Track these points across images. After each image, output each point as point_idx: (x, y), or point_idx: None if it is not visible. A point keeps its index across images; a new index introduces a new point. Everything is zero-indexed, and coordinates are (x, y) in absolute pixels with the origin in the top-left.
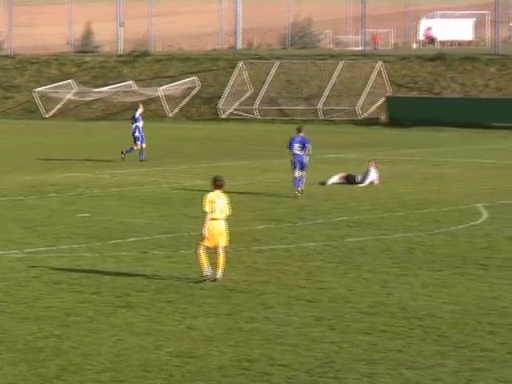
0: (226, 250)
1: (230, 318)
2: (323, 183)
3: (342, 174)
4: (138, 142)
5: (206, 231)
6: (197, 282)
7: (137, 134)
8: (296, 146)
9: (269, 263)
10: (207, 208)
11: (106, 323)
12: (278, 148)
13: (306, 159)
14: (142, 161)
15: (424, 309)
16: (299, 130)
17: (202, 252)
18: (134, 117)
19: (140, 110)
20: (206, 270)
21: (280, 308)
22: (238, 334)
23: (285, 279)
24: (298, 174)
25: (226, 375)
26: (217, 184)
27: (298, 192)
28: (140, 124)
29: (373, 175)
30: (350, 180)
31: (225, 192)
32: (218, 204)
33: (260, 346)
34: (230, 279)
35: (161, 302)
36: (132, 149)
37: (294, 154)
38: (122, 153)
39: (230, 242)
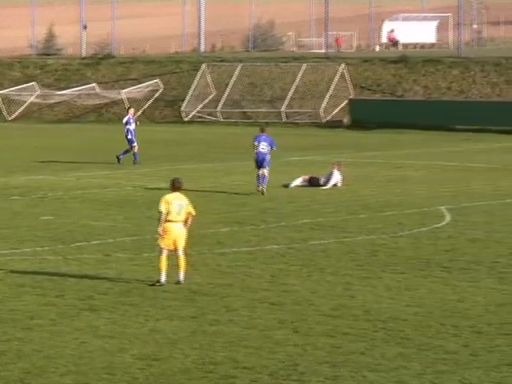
0: (187, 252)
1: (194, 321)
2: (286, 186)
3: (306, 177)
4: (134, 144)
5: (160, 230)
6: (150, 285)
7: (129, 136)
8: (261, 144)
9: (232, 266)
10: (162, 208)
11: (70, 326)
12: (241, 150)
13: (268, 157)
14: (136, 163)
15: (387, 311)
16: (262, 130)
17: (163, 256)
18: (125, 121)
19: (131, 113)
20: (163, 276)
21: (244, 311)
22: (202, 336)
23: (248, 282)
24: (261, 171)
25: (190, 378)
26: (175, 186)
27: (261, 191)
28: (132, 127)
29: (336, 177)
30: (313, 183)
31: (189, 194)
32: (174, 206)
33: (224, 348)
34: (193, 282)
35: (124, 305)
36: (126, 151)
37: (258, 152)
38: (117, 158)
39: (194, 244)
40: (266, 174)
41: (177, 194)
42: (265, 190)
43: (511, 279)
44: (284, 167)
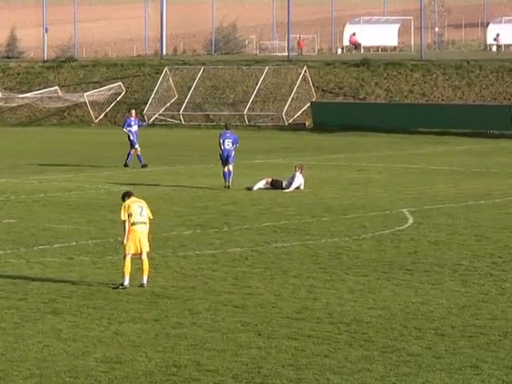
0: (150, 256)
1: (157, 324)
2: (249, 188)
3: (268, 180)
4: (136, 146)
5: (125, 239)
6: (114, 288)
7: (131, 138)
8: (226, 141)
9: (196, 269)
10: (123, 215)
11: (33, 329)
12: (204, 153)
13: (233, 153)
14: (144, 166)
15: (351, 314)
16: (227, 127)
17: (127, 260)
18: (126, 122)
19: (133, 114)
20: (126, 279)
21: (207, 313)
22: (166, 339)
23: (212, 285)
24: (226, 168)
25: (154, 381)
26: (129, 193)
27: (228, 186)
28: (133, 129)
29: (299, 180)
30: (276, 185)
31: (151, 197)
32: (135, 207)
33: (187, 351)
34: (157, 285)
35: (88, 308)
36: (129, 155)
37: (224, 149)
38: (125, 165)
39: (157, 247)
40: (231, 170)
41: (134, 198)
42: (231, 185)
43: (474, 282)
44: (247, 170)
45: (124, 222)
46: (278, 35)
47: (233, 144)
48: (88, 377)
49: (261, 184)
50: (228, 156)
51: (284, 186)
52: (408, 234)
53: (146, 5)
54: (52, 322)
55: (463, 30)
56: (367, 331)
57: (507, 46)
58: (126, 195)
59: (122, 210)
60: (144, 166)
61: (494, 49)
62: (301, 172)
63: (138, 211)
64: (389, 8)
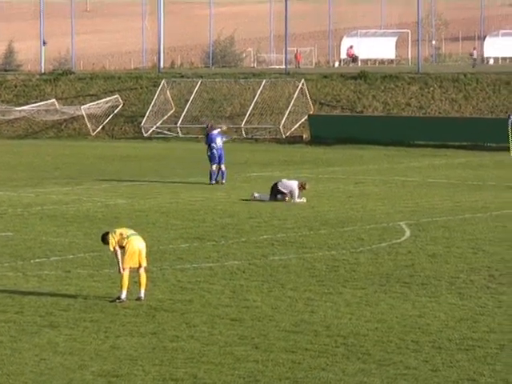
0: (147, 269)
1: (155, 337)
2: (252, 197)
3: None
4: (214, 163)
5: (121, 266)
6: (111, 302)
7: (209, 153)
8: (217, 140)
9: (193, 282)
10: (111, 245)
11: (30, 343)
12: (201, 166)
13: (223, 152)
14: (216, 183)
15: (348, 327)
16: (213, 128)
17: (126, 274)
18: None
19: (218, 129)
20: (123, 293)
21: (204, 327)
22: (163, 352)
23: (209, 298)
24: (215, 167)
25: None
26: (105, 241)
27: (218, 182)
28: (215, 144)
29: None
30: (275, 193)
31: (149, 210)
32: (125, 228)
33: (184, 364)
34: (154, 298)
35: (85, 322)
36: (213, 172)
37: (216, 149)
38: (215, 183)
39: (155, 260)
40: (224, 169)
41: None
42: (224, 182)
43: (471, 294)
44: (244, 183)
45: (114, 249)
46: (276, 48)
47: (221, 140)
48: None
49: (264, 196)
50: (221, 155)
51: (284, 191)
52: (405, 247)
53: (143, 17)
54: (49, 335)
55: (460, 42)
56: (364, 344)
57: (504, 59)
58: (105, 235)
59: (111, 238)
60: (216, 182)
61: (492, 62)
62: (300, 189)
63: (126, 228)
64: (386, 21)
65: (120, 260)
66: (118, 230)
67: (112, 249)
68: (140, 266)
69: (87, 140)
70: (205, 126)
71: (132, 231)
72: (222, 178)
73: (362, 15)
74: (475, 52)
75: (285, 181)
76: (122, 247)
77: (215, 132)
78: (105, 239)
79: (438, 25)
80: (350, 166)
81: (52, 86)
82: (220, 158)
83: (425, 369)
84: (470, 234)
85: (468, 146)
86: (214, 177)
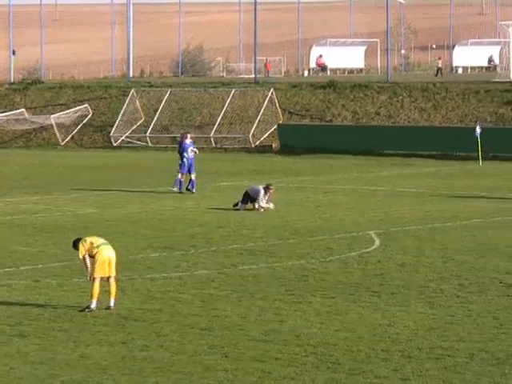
0: (117, 278)
1: (124, 347)
2: (236, 206)
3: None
4: (183, 172)
5: (89, 274)
6: (80, 311)
7: (179, 162)
8: (189, 150)
9: (162, 291)
10: (81, 253)
11: None
12: (170, 175)
13: (193, 162)
14: (187, 190)
15: (317, 336)
16: (187, 136)
17: (96, 284)
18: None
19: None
20: (93, 303)
21: (174, 336)
22: (132, 362)
23: (179, 307)
24: (183, 176)
25: None
26: (76, 247)
27: (183, 192)
28: (187, 153)
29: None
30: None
31: (118, 220)
32: (95, 237)
33: (154, 374)
34: (123, 307)
35: (54, 331)
36: (178, 180)
37: (187, 158)
38: (188, 190)
39: (124, 269)
40: (194, 179)
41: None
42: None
43: (440, 303)
44: (214, 192)
45: (83, 257)
46: (245, 57)
47: (192, 151)
48: None
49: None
50: (191, 165)
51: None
52: (375, 256)
53: (112, 27)
54: (18, 344)
55: (429, 52)
56: (334, 353)
57: (473, 68)
58: (77, 241)
59: (80, 246)
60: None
61: (460, 71)
62: (266, 191)
63: (97, 237)
64: (355, 30)
65: (89, 268)
66: (89, 239)
67: (81, 257)
68: (110, 276)
69: (56, 149)
70: (179, 135)
71: (103, 240)
72: (192, 188)
73: (331, 24)
74: (440, 61)
75: (253, 186)
76: (92, 256)
77: (188, 141)
78: (76, 246)
79: (408, 34)
80: (320, 176)
81: (21, 95)
82: (190, 167)
83: (395, 378)
84: (439, 243)
85: (437, 156)
86: (181, 186)
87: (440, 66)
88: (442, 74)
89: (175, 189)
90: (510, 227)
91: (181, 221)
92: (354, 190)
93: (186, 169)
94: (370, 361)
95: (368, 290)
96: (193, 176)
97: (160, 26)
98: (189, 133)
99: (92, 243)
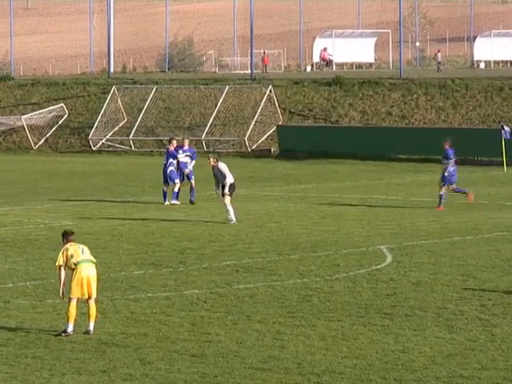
0: (96, 299)
1: (105, 376)
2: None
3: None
4: (177, 181)
5: (61, 288)
6: (56, 336)
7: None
8: (183, 155)
9: (148, 313)
10: (60, 260)
11: None
12: (156, 183)
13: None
14: (192, 203)
15: (322, 364)
16: (184, 143)
17: (72, 305)
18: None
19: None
20: (70, 326)
21: (161, 364)
22: None
23: (166, 331)
24: (176, 187)
25: None
26: (68, 239)
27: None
28: (181, 159)
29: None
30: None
31: (98, 233)
32: (75, 248)
33: None
34: (104, 331)
35: (26, 358)
36: (175, 192)
37: (181, 162)
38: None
39: (105, 289)
40: (177, 189)
41: (73, 243)
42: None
43: (460, 327)
44: (206, 202)
45: (59, 267)
46: (240, 51)
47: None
48: None
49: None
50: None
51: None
52: (386, 274)
53: (90, 16)
54: None
55: (447, 44)
56: (341, 383)
57: (497, 63)
58: (66, 234)
59: (60, 253)
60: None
61: (483, 65)
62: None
63: (79, 251)
64: (364, 20)
65: (62, 281)
66: (72, 249)
67: (57, 265)
68: (89, 297)
69: (28, 154)
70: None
71: (85, 256)
72: (193, 195)
73: (337, 13)
74: (439, 55)
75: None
76: (72, 269)
77: (183, 147)
78: (64, 237)
79: (423, 24)
80: (324, 183)
81: None
82: (183, 175)
83: None
84: (459, 259)
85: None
86: (177, 195)
87: (440, 60)
88: (440, 69)
89: (177, 202)
90: None
91: (168, 234)
92: (363, 200)
93: (184, 176)
94: None
95: (379, 311)
96: (193, 183)
97: (144, 15)
98: (184, 144)
99: (72, 256)
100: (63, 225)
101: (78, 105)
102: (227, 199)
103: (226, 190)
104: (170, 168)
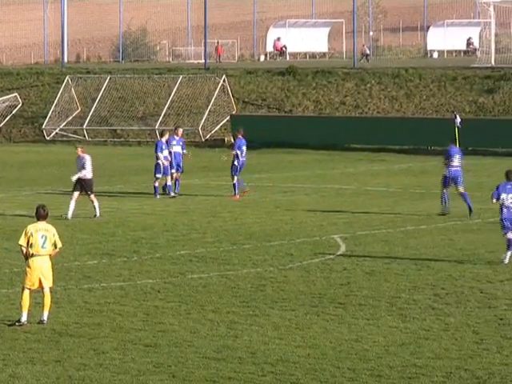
0: (52, 290)
1: (59, 365)
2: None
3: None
4: (172, 171)
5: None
6: (9, 325)
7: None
8: (175, 147)
9: (102, 303)
10: (22, 241)
11: None
12: (111, 173)
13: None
14: (173, 195)
15: (276, 353)
16: (177, 133)
17: (26, 294)
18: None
19: (166, 136)
20: (24, 315)
21: (115, 353)
22: (68, 382)
23: (120, 321)
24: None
25: None
26: (40, 214)
27: (173, 196)
28: (174, 149)
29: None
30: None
31: (51, 223)
32: (37, 237)
33: None
34: (58, 321)
35: None
36: (168, 185)
37: (175, 154)
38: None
39: (59, 279)
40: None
41: (41, 225)
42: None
43: (414, 316)
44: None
45: (21, 246)
46: (194, 40)
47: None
48: None
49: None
50: (178, 165)
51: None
52: (340, 264)
53: (44, 6)
54: None
55: (401, 34)
56: (295, 372)
57: (450, 52)
58: (39, 210)
59: (23, 234)
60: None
61: (436, 55)
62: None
63: (41, 242)
64: (318, 10)
65: (25, 252)
66: (35, 236)
67: (19, 243)
68: (43, 288)
69: None
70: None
71: (43, 250)
72: (170, 190)
73: (291, 3)
74: (366, 47)
75: None
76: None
77: (176, 138)
78: (37, 212)
79: (376, 14)
80: (278, 173)
81: None
82: (178, 167)
83: None
84: (412, 248)
85: (410, 150)
86: (169, 189)
87: (368, 52)
88: (367, 59)
89: (172, 194)
90: (491, 230)
91: (122, 224)
92: (317, 189)
93: (176, 167)
94: (334, 381)
95: (333, 301)
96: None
97: (98, 4)
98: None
99: (31, 246)
100: (16, 214)
101: (32, 94)
102: (74, 194)
103: (74, 179)
104: (165, 162)
